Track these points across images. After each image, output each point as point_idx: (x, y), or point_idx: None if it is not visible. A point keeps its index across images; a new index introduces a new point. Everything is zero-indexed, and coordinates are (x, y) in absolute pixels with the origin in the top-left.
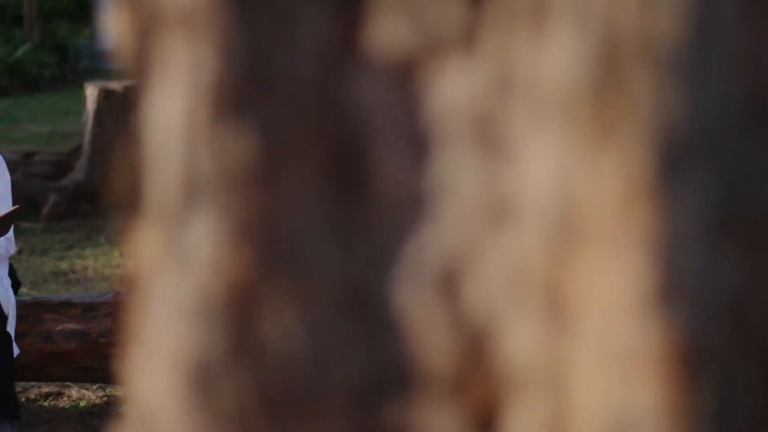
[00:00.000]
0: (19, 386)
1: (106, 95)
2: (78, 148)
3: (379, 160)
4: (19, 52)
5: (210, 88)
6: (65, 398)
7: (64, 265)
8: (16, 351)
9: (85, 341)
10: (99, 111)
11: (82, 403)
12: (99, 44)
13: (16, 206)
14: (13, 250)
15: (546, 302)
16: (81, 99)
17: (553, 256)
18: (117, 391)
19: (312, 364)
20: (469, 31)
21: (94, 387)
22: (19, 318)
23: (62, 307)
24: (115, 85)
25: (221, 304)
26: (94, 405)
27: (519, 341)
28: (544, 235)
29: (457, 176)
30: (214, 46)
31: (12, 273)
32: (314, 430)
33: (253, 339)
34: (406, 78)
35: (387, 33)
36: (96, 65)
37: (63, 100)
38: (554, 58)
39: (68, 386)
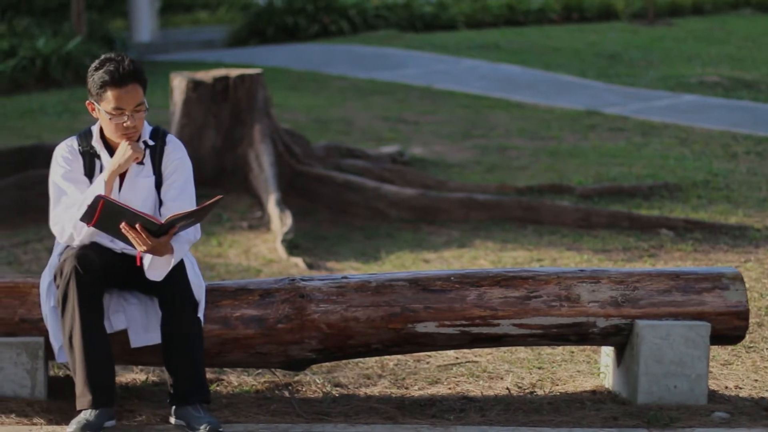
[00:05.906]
0: None
1: (194, 86)
2: None
3: None
4: (71, 45)
5: None
6: (225, 384)
7: None
8: None
9: (263, 327)
10: (187, 102)
11: (246, 388)
12: (135, 36)
13: (219, 196)
14: (199, 236)
15: None
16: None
17: None
18: (281, 377)
19: None
20: None
21: (255, 373)
22: None
23: (240, 294)
24: (202, 75)
25: None
26: (258, 391)
27: None
28: None
29: None
30: None
31: None
32: None
33: None
34: None
35: None
36: (139, 57)
37: None
38: None
39: (225, 372)
